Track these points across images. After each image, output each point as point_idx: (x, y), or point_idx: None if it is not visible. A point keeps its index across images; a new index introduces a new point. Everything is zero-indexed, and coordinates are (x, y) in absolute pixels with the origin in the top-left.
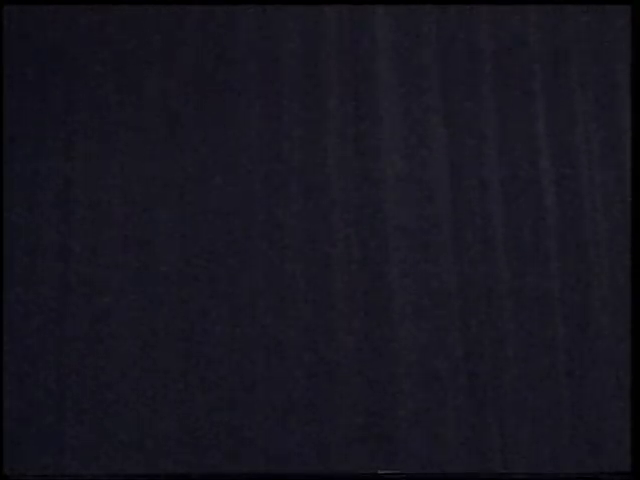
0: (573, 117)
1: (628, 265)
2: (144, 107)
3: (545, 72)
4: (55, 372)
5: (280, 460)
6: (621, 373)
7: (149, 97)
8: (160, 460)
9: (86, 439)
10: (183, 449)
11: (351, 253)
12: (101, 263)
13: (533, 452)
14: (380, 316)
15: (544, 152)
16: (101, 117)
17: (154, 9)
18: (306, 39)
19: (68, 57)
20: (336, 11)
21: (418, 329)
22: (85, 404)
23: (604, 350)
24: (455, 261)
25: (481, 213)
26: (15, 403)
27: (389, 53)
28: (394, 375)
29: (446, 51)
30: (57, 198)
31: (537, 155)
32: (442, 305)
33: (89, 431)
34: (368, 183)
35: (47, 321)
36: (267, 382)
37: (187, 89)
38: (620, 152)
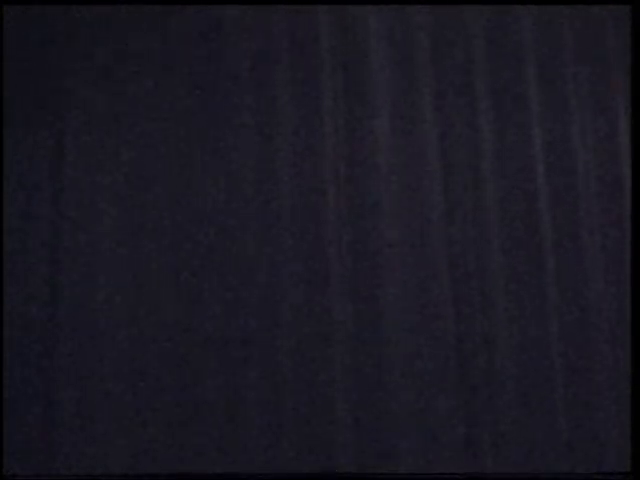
0: (569, 120)
1: (625, 266)
2: (140, 107)
3: (540, 74)
4: (46, 371)
5: (270, 460)
6: (620, 373)
7: (145, 96)
8: (156, 460)
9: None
10: (177, 449)
11: (344, 262)
12: (93, 263)
13: (533, 452)
14: (372, 315)
15: (542, 163)
16: (97, 117)
17: (152, 10)
18: (297, 39)
19: (66, 57)
20: (328, 11)
21: (410, 331)
22: (77, 404)
23: (603, 349)
24: (449, 271)
25: (475, 213)
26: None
27: (382, 54)
28: (385, 377)
29: (440, 53)
30: (48, 198)
31: (535, 167)
32: (435, 307)
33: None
34: (360, 191)
35: (37, 318)
36: (258, 382)
37: (180, 90)
38: (616, 155)
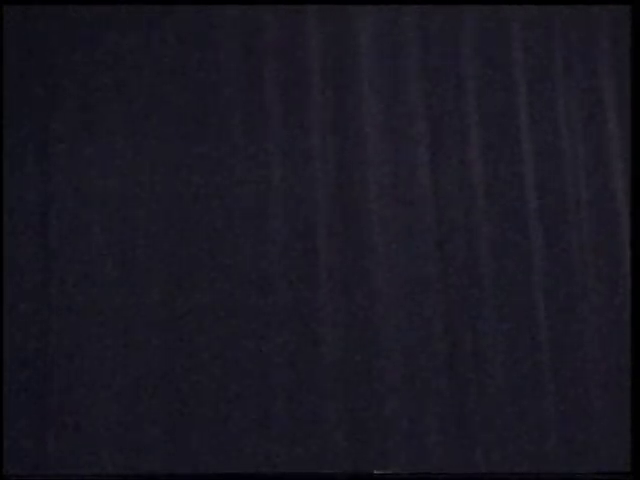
0: (562, 120)
1: (621, 263)
2: (139, 107)
3: (539, 74)
4: (45, 372)
5: (266, 460)
6: (620, 372)
7: (144, 96)
8: (155, 460)
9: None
10: (176, 449)
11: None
12: (87, 262)
13: (532, 452)
14: (364, 316)
15: (529, 159)
16: (96, 116)
17: (151, 9)
18: (288, 38)
19: (66, 56)
20: (318, 11)
21: (402, 331)
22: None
23: (602, 348)
24: (440, 276)
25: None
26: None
27: (371, 54)
28: (379, 377)
29: (433, 54)
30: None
31: (522, 164)
32: (425, 303)
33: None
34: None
35: (31, 308)
36: (253, 383)
37: (177, 90)
38: (610, 156)
